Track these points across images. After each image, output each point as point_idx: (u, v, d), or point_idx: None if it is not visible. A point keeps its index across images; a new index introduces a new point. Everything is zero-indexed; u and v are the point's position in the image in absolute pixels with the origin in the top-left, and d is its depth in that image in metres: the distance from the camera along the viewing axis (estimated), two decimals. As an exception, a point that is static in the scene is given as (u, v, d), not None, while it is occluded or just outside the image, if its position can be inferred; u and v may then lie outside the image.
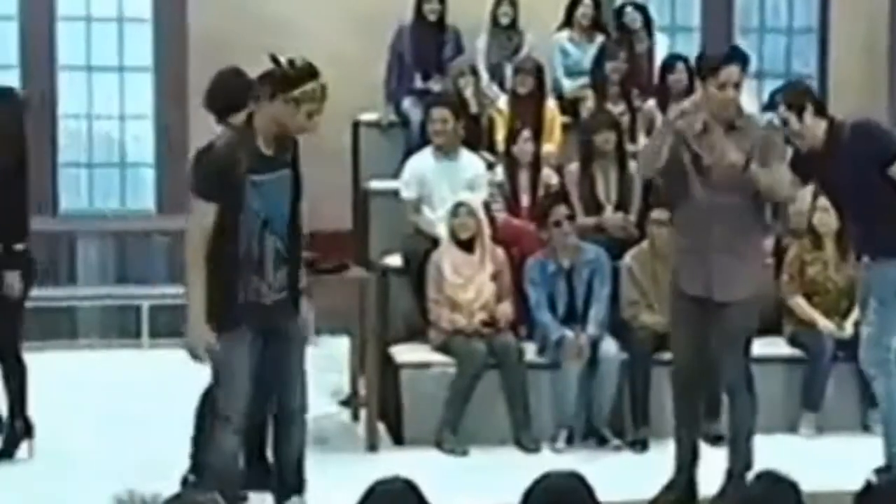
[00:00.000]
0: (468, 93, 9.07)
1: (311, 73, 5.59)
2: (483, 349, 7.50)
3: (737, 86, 6.08)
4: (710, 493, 6.25)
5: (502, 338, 7.56)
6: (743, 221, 6.14)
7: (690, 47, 11.11)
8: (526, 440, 7.42)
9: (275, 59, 5.57)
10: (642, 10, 10.08)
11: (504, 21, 9.96)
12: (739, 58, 6.19)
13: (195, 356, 5.57)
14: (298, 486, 5.83)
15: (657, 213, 7.61)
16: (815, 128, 6.33)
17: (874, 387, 6.70)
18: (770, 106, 6.39)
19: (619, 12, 10.11)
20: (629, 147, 8.64)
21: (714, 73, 6.08)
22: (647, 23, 10.04)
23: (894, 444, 6.53)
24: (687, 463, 6.34)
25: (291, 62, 5.57)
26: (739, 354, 6.22)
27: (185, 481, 6.49)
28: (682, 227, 6.38)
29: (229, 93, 6.44)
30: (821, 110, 6.41)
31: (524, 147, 8.51)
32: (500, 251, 7.79)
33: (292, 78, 5.53)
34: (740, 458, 6.23)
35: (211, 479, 5.61)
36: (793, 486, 3.85)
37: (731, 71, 6.07)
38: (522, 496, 3.53)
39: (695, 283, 6.18)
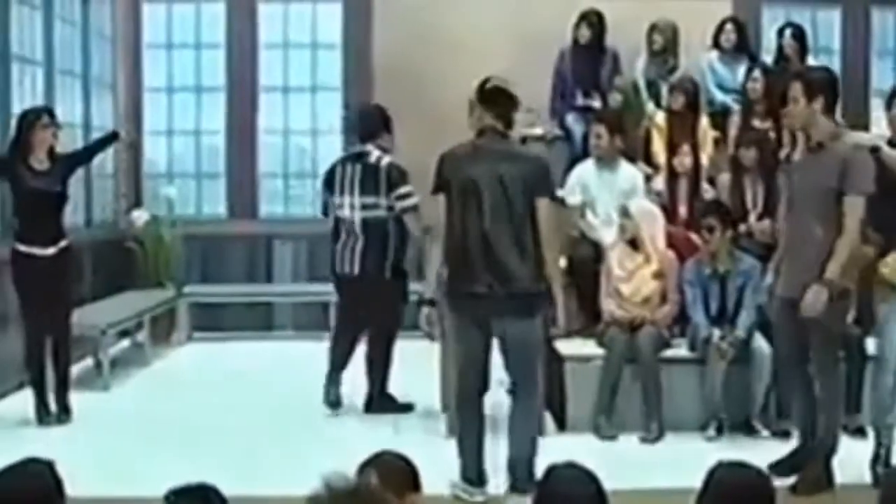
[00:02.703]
0: (626, 108, 8.97)
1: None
2: (623, 340, 7.32)
3: (796, 101, 5.96)
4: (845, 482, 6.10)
5: (643, 333, 7.35)
6: (811, 231, 5.95)
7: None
8: (651, 428, 7.18)
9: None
10: (799, 36, 9.78)
11: (655, 47, 9.89)
12: (798, 76, 6.11)
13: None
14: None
15: None
16: None
17: None
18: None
19: (780, 33, 9.87)
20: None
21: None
22: (803, 48, 9.74)
23: None
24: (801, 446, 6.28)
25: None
26: (818, 352, 6.06)
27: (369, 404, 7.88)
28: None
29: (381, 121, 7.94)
30: None
31: (683, 160, 8.37)
32: (670, 254, 7.61)
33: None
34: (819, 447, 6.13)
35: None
36: None
37: (792, 87, 6.00)
38: (703, 481, 3.38)
39: (780, 284, 6.25)
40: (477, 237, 5.71)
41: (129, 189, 11.36)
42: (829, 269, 5.83)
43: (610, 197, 7.98)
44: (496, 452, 6.02)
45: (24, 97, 8.76)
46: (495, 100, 5.83)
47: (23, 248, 7.39)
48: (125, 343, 10.33)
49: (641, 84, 9.68)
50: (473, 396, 5.92)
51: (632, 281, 7.51)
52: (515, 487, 5.76)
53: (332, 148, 11.54)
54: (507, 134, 5.89)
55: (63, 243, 7.50)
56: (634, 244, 7.55)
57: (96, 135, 10.35)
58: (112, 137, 8.61)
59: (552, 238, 5.78)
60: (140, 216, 10.96)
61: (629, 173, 8.17)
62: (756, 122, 8.93)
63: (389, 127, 7.98)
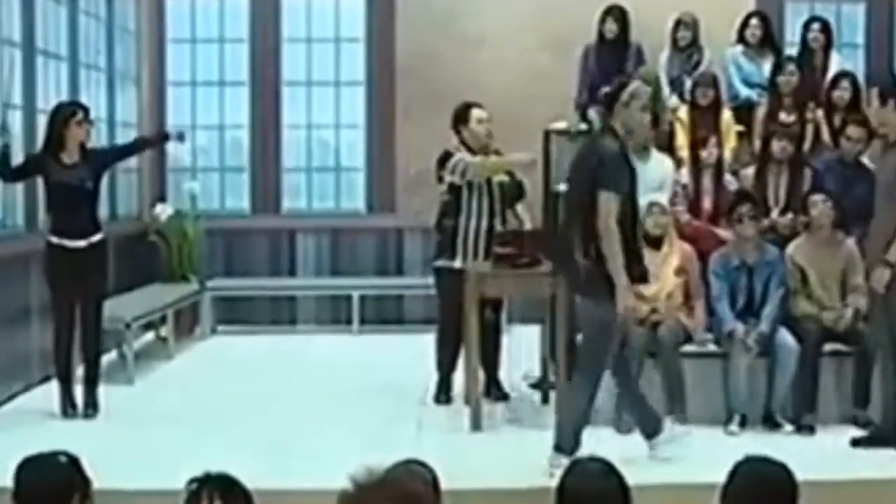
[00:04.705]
0: (652, 101, 8.93)
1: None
2: (642, 335, 7.26)
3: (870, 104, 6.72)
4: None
5: (664, 327, 7.31)
6: (892, 222, 6.32)
7: (856, 63, 10.84)
8: (679, 419, 7.10)
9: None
10: (826, 30, 9.74)
11: (682, 43, 9.89)
12: (874, 84, 6.87)
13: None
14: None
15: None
16: None
17: None
18: None
19: (806, 26, 9.82)
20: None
21: None
22: (828, 42, 9.70)
23: None
24: None
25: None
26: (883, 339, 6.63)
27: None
28: None
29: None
30: None
31: (711, 151, 8.31)
32: (687, 247, 7.57)
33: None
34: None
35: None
36: None
37: (869, 92, 6.82)
38: (728, 476, 3.37)
39: None
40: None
41: (153, 183, 11.40)
42: (891, 251, 6.20)
43: (641, 189, 7.92)
44: (520, 446, 6.05)
45: (49, 91, 8.80)
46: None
47: (54, 239, 7.44)
48: (149, 336, 10.37)
49: (664, 79, 9.65)
50: None
51: (654, 282, 7.46)
52: (560, 448, 6.01)
53: (355, 142, 11.58)
54: (618, 132, 6.25)
55: (96, 237, 7.51)
56: (655, 242, 7.51)
57: (119, 128, 10.43)
58: (160, 139, 9.02)
59: (610, 225, 6.01)
60: (164, 210, 10.99)
61: (661, 164, 8.09)
62: (783, 116, 8.90)
63: (462, 120, 8.04)
